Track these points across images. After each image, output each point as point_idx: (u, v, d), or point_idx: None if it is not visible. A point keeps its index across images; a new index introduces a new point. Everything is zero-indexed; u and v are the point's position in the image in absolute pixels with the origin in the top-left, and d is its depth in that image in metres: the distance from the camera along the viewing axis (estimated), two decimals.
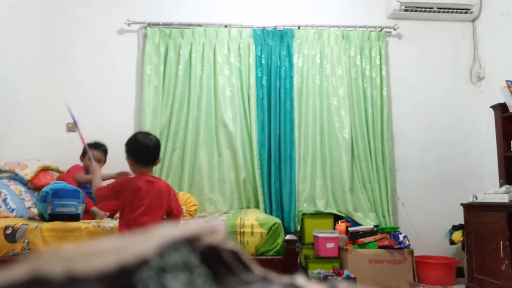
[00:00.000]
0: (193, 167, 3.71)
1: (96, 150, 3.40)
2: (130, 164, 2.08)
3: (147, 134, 2.13)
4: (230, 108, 3.77)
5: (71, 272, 0.22)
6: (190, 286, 0.25)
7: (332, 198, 3.74)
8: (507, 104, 3.20)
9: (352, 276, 3.02)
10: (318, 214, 3.63)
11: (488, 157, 3.75)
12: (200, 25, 3.88)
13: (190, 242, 0.27)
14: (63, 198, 2.50)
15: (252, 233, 2.36)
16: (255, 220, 2.46)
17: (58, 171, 3.55)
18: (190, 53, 3.82)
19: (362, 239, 3.27)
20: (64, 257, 0.23)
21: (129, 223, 1.99)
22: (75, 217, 2.52)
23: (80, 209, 2.57)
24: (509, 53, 3.62)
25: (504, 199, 2.80)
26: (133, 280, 0.23)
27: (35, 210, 2.85)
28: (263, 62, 3.85)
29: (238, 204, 3.69)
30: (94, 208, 2.96)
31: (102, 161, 3.42)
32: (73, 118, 2.42)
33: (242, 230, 2.38)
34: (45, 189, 2.56)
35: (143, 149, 2.06)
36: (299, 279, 0.29)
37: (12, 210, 2.88)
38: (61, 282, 0.22)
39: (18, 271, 0.22)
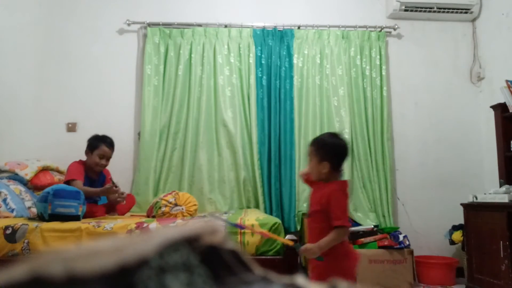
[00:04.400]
0: (193, 167, 3.70)
1: (108, 148, 3.19)
2: (326, 169, 1.80)
3: (339, 135, 1.92)
4: (230, 108, 3.77)
5: (71, 272, 0.22)
6: (190, 286, 0.25)
7: None
8: (507, 104, 3.20)
9: None
10: None
11: (488, 157, 3.75)
12: (200, 25, 3.88)
13: (190, 242, 0.27)
14: (64, 198, 2.51)
15: (252, 233, 2.36)
16: (255, 220, 2.46)
17: (58, 171, 3.55)
18: (190, 53, 3.82)
19: (362, 239, 3.26)
20: (64, 257, 0.23)
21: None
22: (74, 218, 2.52)
23: (80, 211, 2.57)
24: (509, 53, 3.62)
25: (504, 199, 2.80)
26: (133, 280, 0.24)
27: (35, 210, 2.85)
28: (263, 62, 3.85)
29: (238, 204, 3.68)
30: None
31: (110, 157, 3.23)
32: (236, 225, 2.20)
33: (242, 230, 2.38)
34: (46, 190, 2.58)
35: (345, 153, 1.85)
36: (299, 279, 0.29)
37: (12, 210, 2.88)
38: (62, 282, 0.22)
39: (18, 271, 0.22)
